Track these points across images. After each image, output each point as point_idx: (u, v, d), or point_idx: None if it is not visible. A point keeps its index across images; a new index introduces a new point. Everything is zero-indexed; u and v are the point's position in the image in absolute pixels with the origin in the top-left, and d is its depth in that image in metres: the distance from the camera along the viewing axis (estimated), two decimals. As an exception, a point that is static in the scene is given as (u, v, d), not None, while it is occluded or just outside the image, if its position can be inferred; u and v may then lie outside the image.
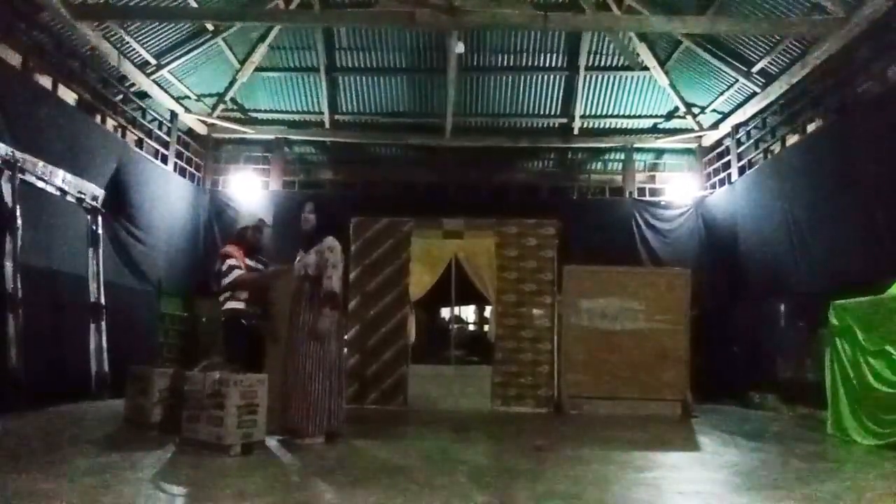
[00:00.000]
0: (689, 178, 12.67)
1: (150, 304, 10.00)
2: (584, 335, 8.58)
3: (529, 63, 11.90)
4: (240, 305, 5.60)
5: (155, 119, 11.13)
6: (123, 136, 10.02)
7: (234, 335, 5.66)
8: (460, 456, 4.99)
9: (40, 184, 7.41)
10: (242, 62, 11.61)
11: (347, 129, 12.91)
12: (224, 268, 5.60)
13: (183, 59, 10.70)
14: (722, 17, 9.49)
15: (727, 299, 10.59)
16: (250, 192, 12.35)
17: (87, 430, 5.82)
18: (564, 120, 12.68)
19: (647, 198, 12.60)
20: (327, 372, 5.26)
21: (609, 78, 12.04)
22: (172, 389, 5.44)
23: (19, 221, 6.83)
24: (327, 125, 12.75)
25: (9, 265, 6.69)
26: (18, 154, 6.90)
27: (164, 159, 11.13)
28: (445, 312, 12.62)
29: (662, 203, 12.42)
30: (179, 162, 11.65)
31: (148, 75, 10.35)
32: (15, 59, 7.80)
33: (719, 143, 12.05)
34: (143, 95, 10.66)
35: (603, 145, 12.97)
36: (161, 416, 5.56)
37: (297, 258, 5.55)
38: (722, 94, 11.30)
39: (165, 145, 11.24)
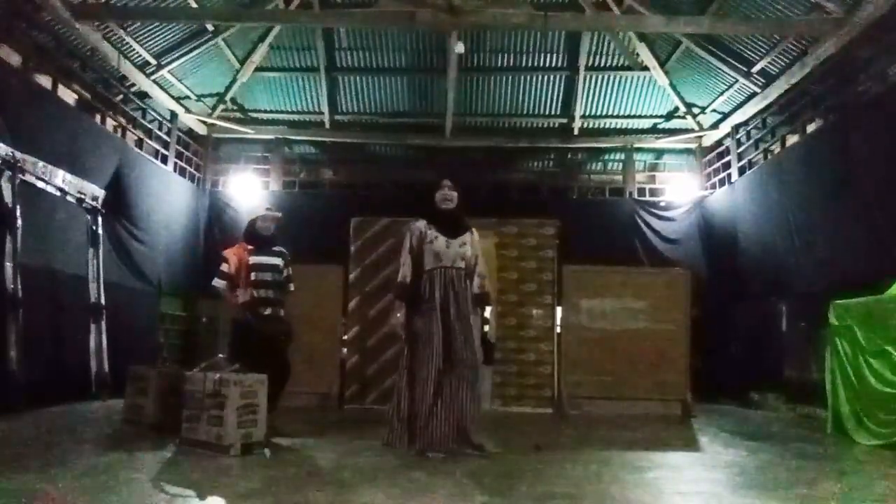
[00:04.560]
0: (689, 179, 12.65)
1: (150, 304, 9.99)
2: (585, 335, 8.59)
3: (529, 63, 11.87)
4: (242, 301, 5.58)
5: (155, 119, 11.11)
6: (123, 136, 10.00)
7: (235, 335, 5.72)
8: (460, 455, 4.99)
9: (40, 184, 7.40)
10: (242, 62, 11.59)
11: (347, 129, 12.90)
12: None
13: (183, 59, 10.67)
14: (722, 17, 9.48)
15: (727, 299, 10.59)
16: (250, 192, 12.35)
17: (87, 430, 5.83)
18: (564, 120, 12.66)
19: (648, 198, 12.59)
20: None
21: (609, 78, 12.02)
22: (172, 389, 5.42)
23: (19, 221, 6.83)
24: (327, 125, 12.74)
25: (9, 265, 6.68)
26: (18, 154, 6.89)
27: (164, 159, 11.12)
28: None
29: (662, 203, 12.40)
30: (179, 162, 11.64)
31: (148, 75, 10.33)
32: (15, 59, 7.78)
33: (719, 143, 12.03)
34: (143, 95, 10.65)
35: (603, 145, 12.93)
36: (161, 416, 5.56)
37: (432, 246, 5.22)
38: (722, 94, 11.28)
39: (165, 145, 11.23)
